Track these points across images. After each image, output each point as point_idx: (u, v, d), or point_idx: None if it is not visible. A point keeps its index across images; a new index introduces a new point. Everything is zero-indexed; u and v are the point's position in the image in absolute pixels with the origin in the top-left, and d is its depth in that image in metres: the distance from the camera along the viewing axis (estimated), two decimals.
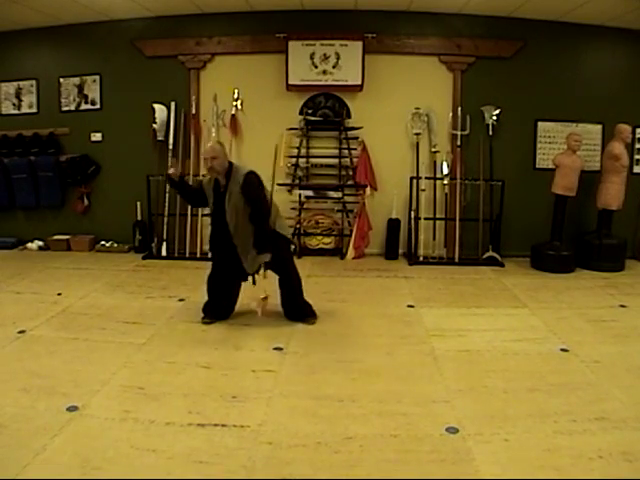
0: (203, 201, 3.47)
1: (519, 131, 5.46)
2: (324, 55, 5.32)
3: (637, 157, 5.51)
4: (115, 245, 5.77)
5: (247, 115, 5.54)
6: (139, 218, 5.70)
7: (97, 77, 5.68)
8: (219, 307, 3.49)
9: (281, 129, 5.44)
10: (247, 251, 3.29)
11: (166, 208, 5.53)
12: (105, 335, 3.20)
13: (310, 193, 5.44)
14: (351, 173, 5.46)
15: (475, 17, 5.25)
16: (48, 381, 2.55)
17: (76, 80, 5.72)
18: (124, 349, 2.97)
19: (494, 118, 5.32)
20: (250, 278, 3.42)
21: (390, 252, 5.50)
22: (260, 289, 3.37)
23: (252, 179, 3.24)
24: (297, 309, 3.50)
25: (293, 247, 3.54)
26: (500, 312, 3.77)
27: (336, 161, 5.46)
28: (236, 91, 5.43)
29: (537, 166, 5.52)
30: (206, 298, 3.51)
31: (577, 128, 5.35)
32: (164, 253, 5.47)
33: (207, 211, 5.42)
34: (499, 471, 1.88)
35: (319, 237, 5.55)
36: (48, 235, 5.88)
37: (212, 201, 3.36)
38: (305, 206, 5.51)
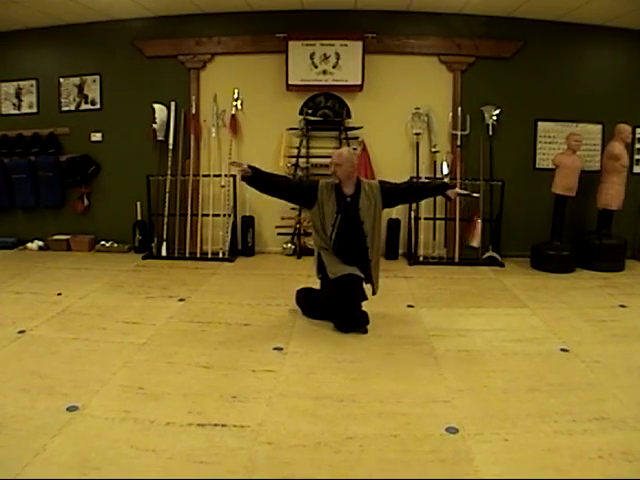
0: (301, 198, 3.41)
1: (519, 131, 5.46)
2: (324, 55, 5.32)
3: (637, 157, 5.51)
4: (115, 245, 5.76)
5: (247, 115, 5.54)
6: (139, 218, 5.70)
7: (97, 77, 5.68)
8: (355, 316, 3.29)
9: (281, 129, 5.44)
10: (377, 268, 3.38)
11: (166, 208, 5.52)
12: (105, 335, 3.19)
13: None
14: None
15: (475, 17, 5.25)
16: (48, 381, 2.54)
17: (76, 80, 5.72)
18: (124, 349, 2.96)
19: (494, 118, 5.33)
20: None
21: (390, 252, 5.50)
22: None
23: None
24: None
25: None
26: (500, 312, 3.77)
27: None
28: (236, 91, 5.43)
29: (537, 166, 5.52)
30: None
31: (577, 128, 5.35)
32: (164, 253, 5.46)
33: (208, 211, 5.53)
34: (499, 471, 1.88)
35: None
36: (48, 235, 5.87)
37: (333, 208, 3.25)
38: None
